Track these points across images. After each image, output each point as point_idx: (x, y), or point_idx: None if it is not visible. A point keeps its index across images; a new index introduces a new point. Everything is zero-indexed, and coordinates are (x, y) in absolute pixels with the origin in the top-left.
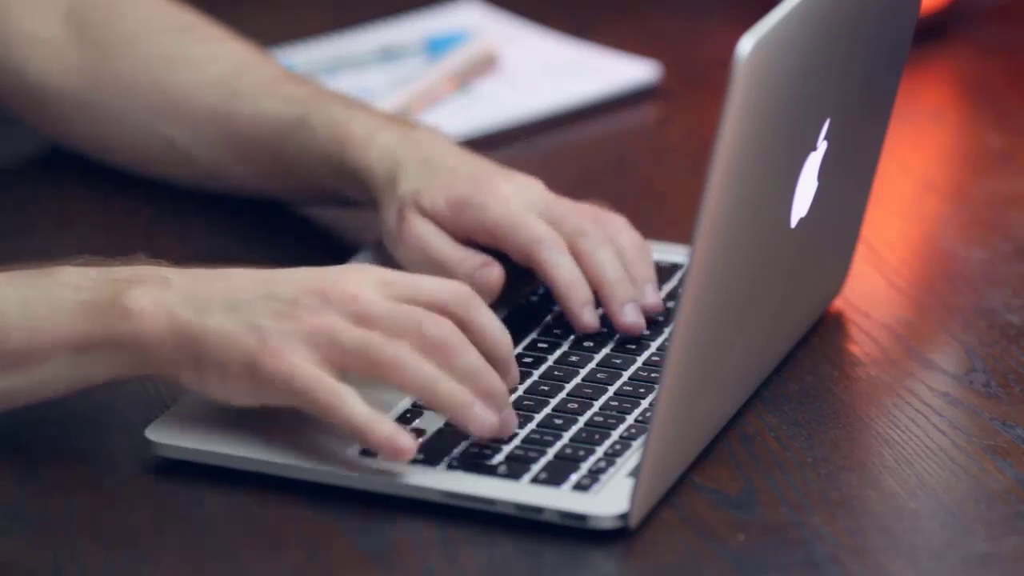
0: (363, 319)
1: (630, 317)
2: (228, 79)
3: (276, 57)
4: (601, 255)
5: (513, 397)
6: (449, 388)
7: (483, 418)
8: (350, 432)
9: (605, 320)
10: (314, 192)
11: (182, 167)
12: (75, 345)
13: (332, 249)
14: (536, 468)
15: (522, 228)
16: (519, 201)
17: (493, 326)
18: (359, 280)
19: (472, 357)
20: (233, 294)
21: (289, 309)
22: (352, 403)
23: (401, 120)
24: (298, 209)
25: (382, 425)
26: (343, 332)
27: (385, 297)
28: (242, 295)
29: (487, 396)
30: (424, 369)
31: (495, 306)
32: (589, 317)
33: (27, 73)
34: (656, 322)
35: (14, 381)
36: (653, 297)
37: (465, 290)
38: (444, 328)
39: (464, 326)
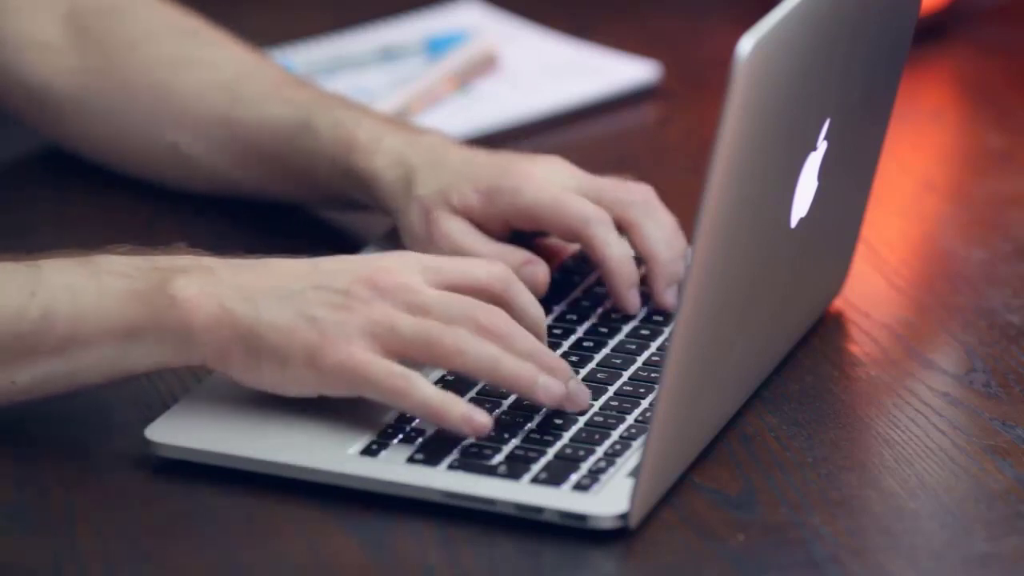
0: (416, 308)
1: (670, 299)
2: (231, 84)
3: (276, 57)
4: (653, 230)
5: (513, 397)
6: (513, 364)
7: (550, 387)
8: (424, 415)
9: (609, 323)
10: (320, 196)
11: (185, 172)
12: (122, 333)
13: (333, 248)
14: (536, 468)
15: (567, 206)
16: (551, 180)
17: (533, 305)
18: (405, 268)
19: (527, 341)
20: (282, 285)
21: (344, 300)
22: (423, 386)
23: (405, 124)
24: (299, 209)
25: (457, 405)
26: (401, 321)
27: (432, 284)
28: (292, 285)
29: (549, 371)
30: (486, 350)
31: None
32: (634, 299)
33: (27, 75)
34: (656, 322)
35: (58, 367)
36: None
37: (505, 270)
38: (497, 317)
39: (506, 305)
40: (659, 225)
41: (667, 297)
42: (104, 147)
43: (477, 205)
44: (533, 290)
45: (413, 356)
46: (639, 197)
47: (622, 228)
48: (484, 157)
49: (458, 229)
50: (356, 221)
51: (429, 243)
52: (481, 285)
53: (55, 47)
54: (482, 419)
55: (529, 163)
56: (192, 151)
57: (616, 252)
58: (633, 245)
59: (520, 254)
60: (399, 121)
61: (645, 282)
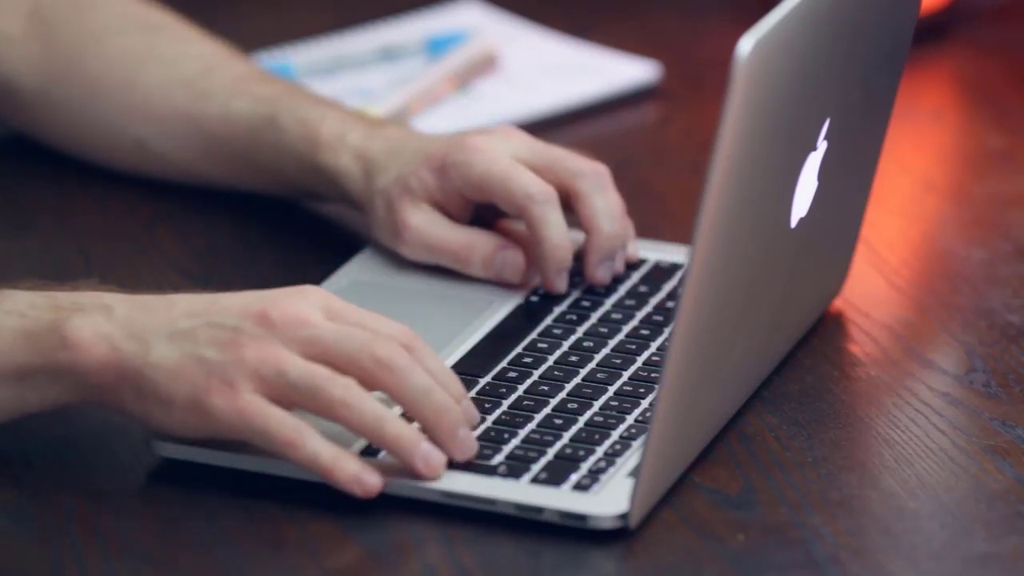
0: (309, 344)
1: (603, 273)
2: (197, 79)
3: (276, 57)
4: (599, 203)
5: (513, 397)
6: (395, 429)
7: (430, 460)
8: (313, 471)
9: (609, 323)
10: (287, 189)
11: (152, 165)
12: (12, 374)
13: (333, 248)
14: (536, 468)
15: (513, 181)
16: (503, 151)
17: (441, 365)
18: (303, 303)
19: (421, 378)
20: (175, 323)
21: (233, 337)
22: (314, 441)
23: (369, 119)
24: (298, 208)
25: (348, 463)
26: (290, 366)
27: (330, 320)
28: (184, 323)
29: (440, 415)
30: (371, 410)
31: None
32: (561, 284)
33: None
34: (656, 322)
35: None
36: (621, 265)
37: (409, 331)
38: (392, 348)
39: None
40: (606, 200)
41: (599, 272)
42: (70, 140)
43: (434, 184)
44: (513, 274)
45: (298, 403)
46: (590, 169)
47: (569, 198)
48: (441, 137)
49: (425, 221)
50: (354, 222)
51: (397, 238)
52: (383, 335)
53: (19, 41)
54: (372, 480)
55: (482, 136)
56: (158, 146)
57: (553, 235)
58: (577, 216)
59: (493, 240)
60: (363, 116)
61: (583, 256)
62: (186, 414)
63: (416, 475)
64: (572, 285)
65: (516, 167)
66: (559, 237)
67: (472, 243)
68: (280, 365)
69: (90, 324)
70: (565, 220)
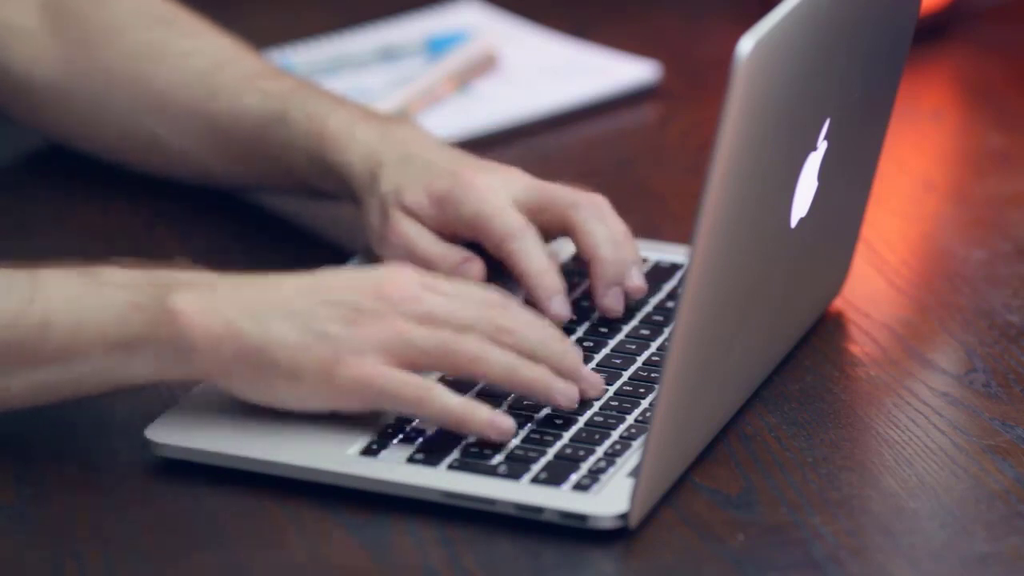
0: (427, 317)
1: (612, 301)
2: (209, 74)
3: (276, 57)
4: (597, 229)
5: (513, 397)
6: (530, 372)
7: (567, 392)
8: (446, 423)
9: (609, 323)
10: (294, 185)
11: (165, 160)
12: (120, 345)
13: (332, 249)
14: (536, 468)
15: (495, 220)
16: (499, 193)
17: (532, 318)
18: (409, 281)
19: (536, 332)
20: (288, 302)
21: (354, 315)
22: (444, 394)
23: (380, 116)
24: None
25: (480, 410)
26: (416, 334)
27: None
28: (298, 303)
29: (563, 357)
30: (502, 358)
31: None
32: (558, 307)
33: (6, 61)
34: (656, 322)
35: (54, 376)
36: (639, 280)
37: (499, 293)
38: (511, 311)
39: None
40: (605, 227)
41: (607, 300)
42: (85, 135)
43: (427, 211)
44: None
45: (430, 366)
46: (586, 200)
47: (568, 231)
48: (448, 159)
49: (409, 229)
50: (354, 224)
51: (383, 238)
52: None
53: (32, 34)
54: (506, 423)
55: (480, 173)
56: (171, 140)
57: (533, 265)
58: (577, 247)
59: (459, 253)
60: (375, 113)
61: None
62: (314, 388)
63: (557, 407)
64: (571, 286)
65: (503, 209)
66: (539, 266)
67: (444, 255)
68: (407, 335)
69: (197, 300)
70: (544, 248)
